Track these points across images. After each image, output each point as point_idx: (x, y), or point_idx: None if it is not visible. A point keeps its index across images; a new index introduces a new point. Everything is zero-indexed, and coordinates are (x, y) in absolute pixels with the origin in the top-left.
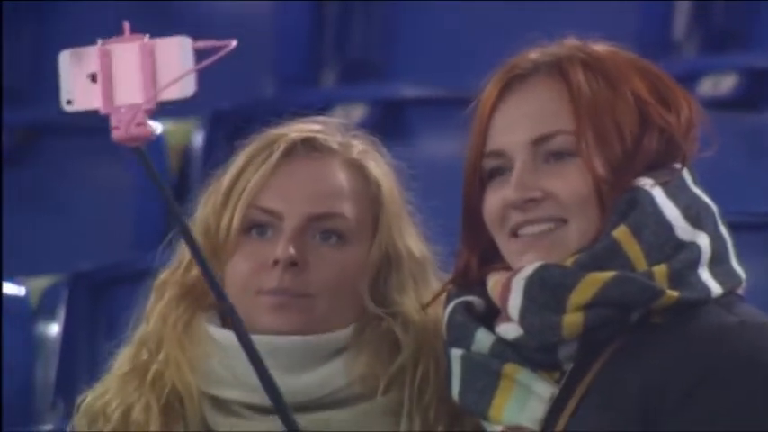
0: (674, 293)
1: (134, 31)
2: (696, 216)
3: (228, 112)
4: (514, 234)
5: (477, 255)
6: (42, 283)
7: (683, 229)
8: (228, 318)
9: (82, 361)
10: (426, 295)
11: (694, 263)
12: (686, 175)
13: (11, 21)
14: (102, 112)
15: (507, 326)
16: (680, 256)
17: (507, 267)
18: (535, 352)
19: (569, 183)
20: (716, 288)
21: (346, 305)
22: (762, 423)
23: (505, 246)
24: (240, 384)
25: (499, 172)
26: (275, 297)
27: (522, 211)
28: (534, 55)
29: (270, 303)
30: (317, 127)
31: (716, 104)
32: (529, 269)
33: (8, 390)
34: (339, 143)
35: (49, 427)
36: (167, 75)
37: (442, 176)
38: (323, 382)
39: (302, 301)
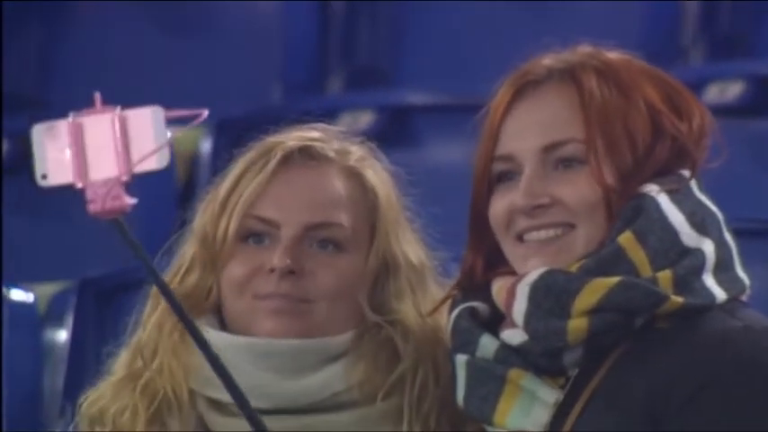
0: (679, 299)
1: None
2: (701, 222)
3: (236, 119)
4: (520, 239)
5: (482, 258)
6: (50, 289)
7: (687, 235)
8: (226, 321)
9: (90, 367)
10: (424, 302)
11: (699, 269)
12: (692, 182)
13: (15, 27)
14: (77, 186)
15: (512, 331)
16: (684, 262)
17: (512, 272)
18: (540, 357)
19: (578, 190)
20: (720, 294)
21: (345, 312)
22: (765, 426)
23: (511, 250)
24: None
25: (508, 176)
26: (273, 302)
27: (530, 217)
28: (548, 61)
29: (268, 308)
30: (314, 135)
31: (722, 111)
32: (533, 275)
33: (16, 396)
34: (336, 151)
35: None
36: (141, 145)
37: (448, 182)
38: (322, 386)
39: (300, 306)
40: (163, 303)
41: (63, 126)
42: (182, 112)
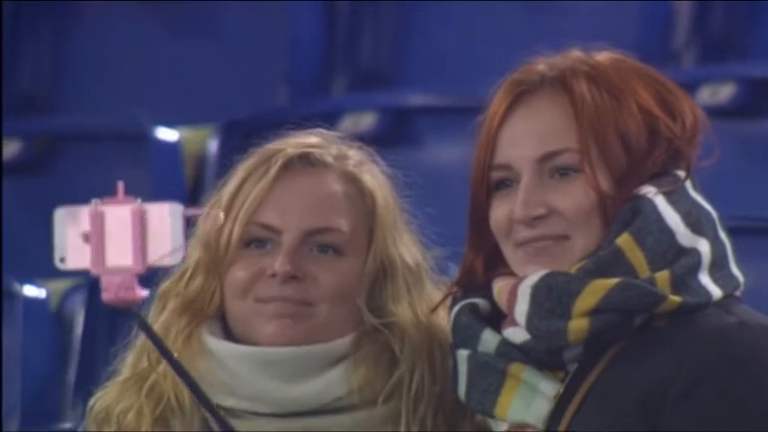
0: (677, 299)
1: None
2: (696, 222)
3: (243, 120)
4: (520, 245)
5: (482, 258)
6: (62, 286)
7: (683, 235)
8: (229, 325)
9: (100, 362)
10: (421, 303)
11: (695, 268)
12: (687, 182)
13: (29, 31)
14: (93, 273)
15: (514, 330)
16: (681, 261)
17: (511, 272)
18: (541, 354)
19: (573, 199)
20: (716, 292)
21: (345, 315)
22: (760, 420)
23: (511, 254)
24: (241, 394)
25: (506, 183)
26: (275, 305)
27: (529, 227)
28: (540, 67)
29: (270, 312)
30: (313, 141)
31: (714, 113)
32: (534, 277)
33: (29, 389)
34: (334, 156)
35: (68, 425)
36: (157, 238)
37: (448, 181)
38: (323, 391)
39: (302, 310)
40: (169, 306)
41: (84, 212)
42: (198, 210)
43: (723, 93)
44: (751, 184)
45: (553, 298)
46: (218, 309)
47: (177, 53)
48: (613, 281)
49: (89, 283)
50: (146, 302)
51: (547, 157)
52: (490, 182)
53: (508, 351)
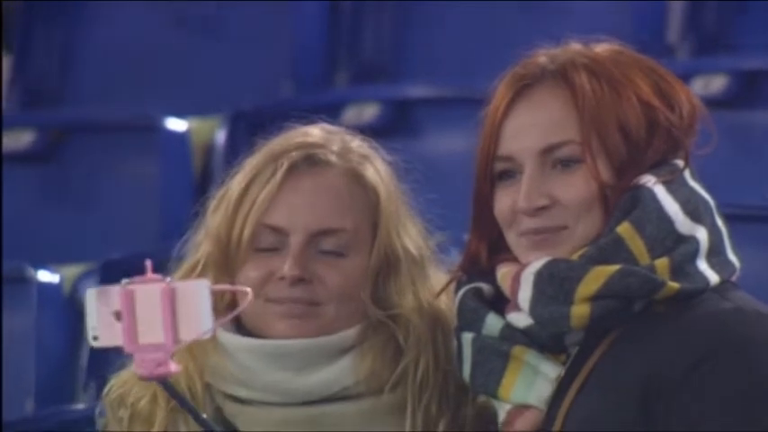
0: (675, 285)
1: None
2: (695, 210)
3: (250, 111)
4: (523, 233)
5: (485, 244)
6: (75, 270)
7: (682, 223)
8: (242, 321)
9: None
10: (424, 291)
11: (693, 255)
12: (686, 170)
13: (41, 24)
14: (127, 351)
15: (518, 315)
16: (680, 249)
17: (515, 258)
18: (544, 338)
19: (575, 190)
20: (713, 277)
21: (351, 310)
22: (755, 403)
23: (514, 242)
24: (253, 386)
25: (509, 174)
26: (284, 306)
27: (532, 217)
28: (541, 60)
29: (280, 312)
30: (316, 140)
31: (706, 103)
32: (538, 264)
33: (43, 372)
34: (337, 154)
35: (81, 406)
36: (187, 315)
37: (448, 170)
38: (332, 381)
39: (310, 309)
40: None
41: (115, 292)
42: (226, 286)
43: (715, 84)
44: (741, 172)
45: (555, 284)
46: (229, 304)
47: (186, 48)
48: (614, 268)
49: (101, 268)
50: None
51: (549, 149)
52: (493, 172)
53: (511, 334)
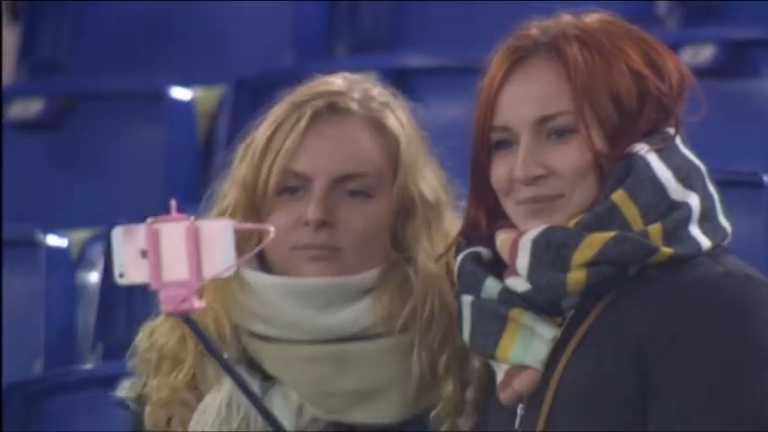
0: (668, 250)
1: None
2: (686, 177)
3: (252, 79)
4: (520, 202)
5: (484, 211)
6: (83, 235)
7: (674, 189)
8: (268, 263)
9: (119, 306)
10: (439, 237)
11: (686, 221)
12: (677, 137)
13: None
14: (152, 287)
15: (516, 280)
16: (673, 215)
17: (512, 224)
18: (541, 302)
19: (570, 159)
20: (705, 242)
21: (372, 253)
22: (744, 365)
23: (512, 210)
24: (277, 323)
25: (505, 143)
26: (309, 251)
27: (529, 186)
28: (533, 32)
29: (305, 257)
30: (338, 87)
31: (695, 72)
32: (535, 231)
33: (52, 333)
34: (359, 102)
35: (89, 366)
36: (210, 252)
37: (447, 140)
38: (353, 321)
39: (334, 254)
40: None
41: (141, 230)
42: (249, 225)
43: (703, 54)
44: (728, 140)
45: (552, 251)
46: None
47: (193, 19)
48: (609, 234)
49: (108, 232)
50: None
51: (544, 119)
52: (490, 142)
53: (509, 298)
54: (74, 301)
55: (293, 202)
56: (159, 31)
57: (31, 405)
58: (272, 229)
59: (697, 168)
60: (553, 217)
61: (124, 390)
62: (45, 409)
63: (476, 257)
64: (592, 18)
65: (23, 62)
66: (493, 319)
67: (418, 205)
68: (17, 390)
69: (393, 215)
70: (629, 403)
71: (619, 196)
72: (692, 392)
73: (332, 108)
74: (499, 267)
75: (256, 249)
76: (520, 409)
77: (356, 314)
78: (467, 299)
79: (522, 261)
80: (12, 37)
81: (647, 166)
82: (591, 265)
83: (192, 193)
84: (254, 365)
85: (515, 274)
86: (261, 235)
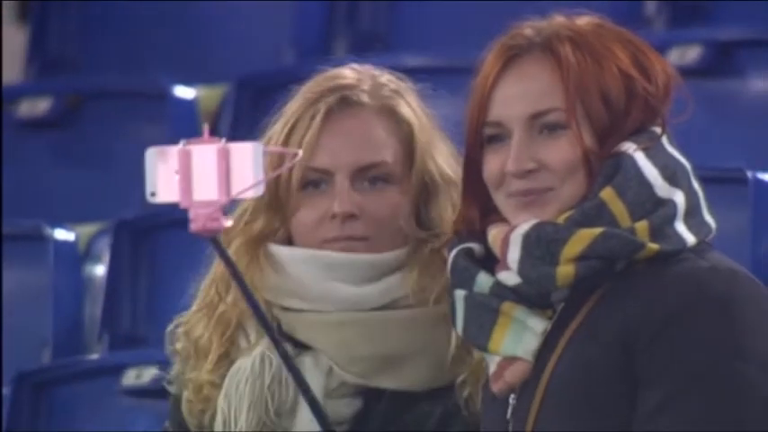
0: (655, 246)
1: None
2: (672, 175)
3: (253, 78)
4: (511, 194)
5: (477, 207)
6: (90, 229)
7: (661, 187)
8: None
9: (125, 299)
10: None
11: (671, 218)
12: (664, 137)
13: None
14: (182, 206)
15: (507, 274)
16: (659, 212)
17: (504, 219)
18: (532, 295)
19: (561, 154)
20: (690, 238)
21: (398, 236)
22: (727, 359)
23: (503, 203)
24: (307, 297)
25: (498, 138)
26: (339, 243)
27: (520, 179)
28: (527, 32)
29: (335, 249)
30: (348, 80)
31: (682, 73)
32: (525, 226)
33: (60, 324)
34: (369, 93)
35: (95, 356)
36: (240, 174)
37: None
38: (383, 293)
39: (362, 244)
40: (236, 242)
41: (173, 151)
42: (277, 148)
43: (690, 54)
44: (714, 139)
45: (542, 246)
46: (282, 240)
47: (194, 19)
48: (597, 230)
49: (114, 227)
50: None
51: (536, 115)
52: (483, 137)
53: (501, 291)
54: (81, 293)
55: (317, 197)
56: (162, 32)
57: (39, 393)
58: (299, 151)
59: (682, 166)
60: (543, 209)
61: (157, 376)
62: (53, 398)
63: (468, 253)
64: (583, 20)
65: (32, 62)
66: (485, 313)
67: (439, 183)
68: (26, 378)
69: (415, 197)
70: (617, 393)
71: (607, 194)
72: (676, 380)
73: (344, 102)
74: (491, 263)
75: (284, 167)
76: (512, 399)
77: (386, 287)
78: (460, 293)
79: (513, 255)
80: (20, 36)
81: (634, 164)
82: (580, 259)
83: None
84: (287, 339)
85: (507, 268)
86: (286, 228)
